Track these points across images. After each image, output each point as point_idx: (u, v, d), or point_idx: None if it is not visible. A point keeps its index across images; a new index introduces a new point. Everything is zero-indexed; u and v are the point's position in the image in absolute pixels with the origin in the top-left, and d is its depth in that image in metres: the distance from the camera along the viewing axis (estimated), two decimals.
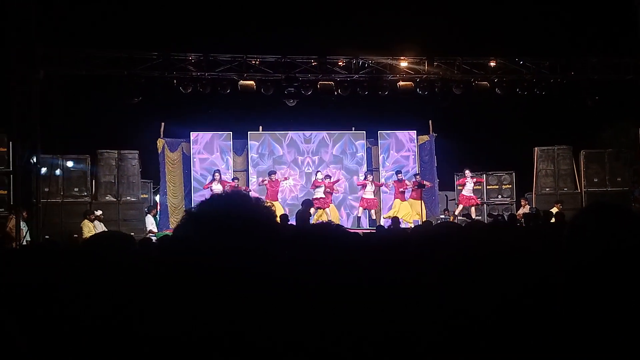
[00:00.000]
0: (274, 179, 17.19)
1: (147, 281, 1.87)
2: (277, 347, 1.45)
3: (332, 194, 17.50)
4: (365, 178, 17.87)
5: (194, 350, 1.44)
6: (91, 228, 15.14)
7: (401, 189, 17.81)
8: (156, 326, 1.50)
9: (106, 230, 15.17)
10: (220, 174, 17.18)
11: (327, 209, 17.21)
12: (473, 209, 18.03)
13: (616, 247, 1.75)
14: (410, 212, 17.48)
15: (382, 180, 18.91)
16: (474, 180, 18.27)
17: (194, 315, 1.49)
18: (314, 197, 16.88)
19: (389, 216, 17.24)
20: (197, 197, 18.04)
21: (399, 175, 18.08)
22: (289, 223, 12.62)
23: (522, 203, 18.37)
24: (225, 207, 1.66)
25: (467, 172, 18.18)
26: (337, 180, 17.96)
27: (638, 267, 1.70)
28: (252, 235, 1.59)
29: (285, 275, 1.56)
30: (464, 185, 18.18)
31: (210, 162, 18.43)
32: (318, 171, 17.93)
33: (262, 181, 17.29)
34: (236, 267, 1.53)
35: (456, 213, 18.00)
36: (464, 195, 18.11)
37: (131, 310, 1.72)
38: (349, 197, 19.12)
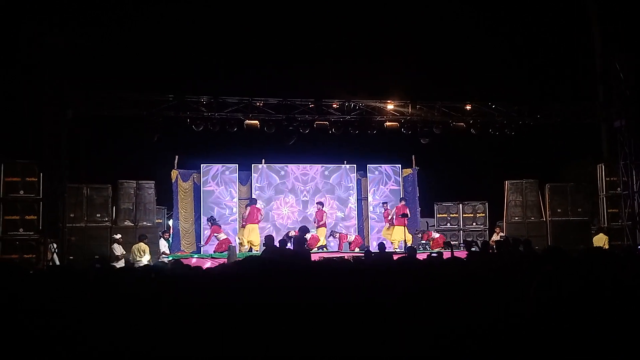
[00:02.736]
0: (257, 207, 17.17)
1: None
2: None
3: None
4: (386, 210, 17.99)
5: None
6: (147, 250, 15.06)
7: (388, 217, 17.81)
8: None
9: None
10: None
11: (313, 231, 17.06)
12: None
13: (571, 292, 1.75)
14: (399, 235, 17.30)
15: (370, 209, 19.06)
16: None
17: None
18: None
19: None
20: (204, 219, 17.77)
21: (385, 205, 18.19)
22: (287, 247, 12.47)
23: (496, 230, 18.20)
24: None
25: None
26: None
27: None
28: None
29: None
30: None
31: (217, 193, 18.32)
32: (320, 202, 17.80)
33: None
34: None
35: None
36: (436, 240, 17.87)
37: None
38: (340, 225, 18.93)
